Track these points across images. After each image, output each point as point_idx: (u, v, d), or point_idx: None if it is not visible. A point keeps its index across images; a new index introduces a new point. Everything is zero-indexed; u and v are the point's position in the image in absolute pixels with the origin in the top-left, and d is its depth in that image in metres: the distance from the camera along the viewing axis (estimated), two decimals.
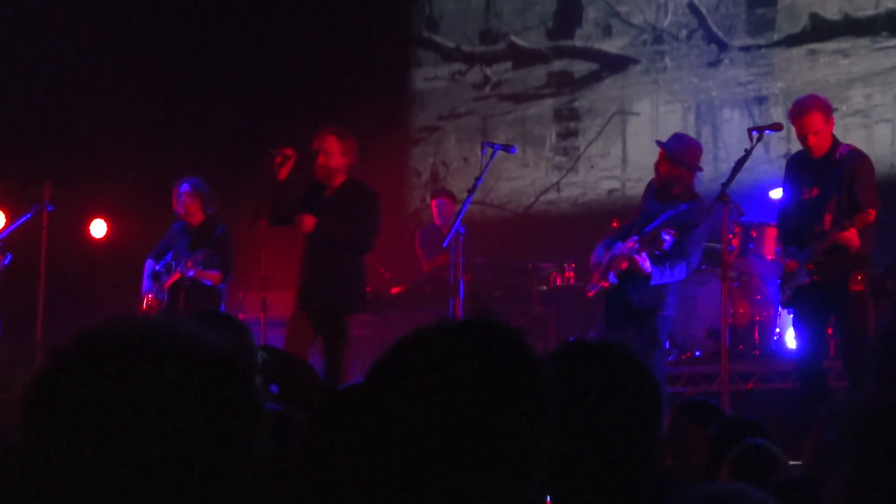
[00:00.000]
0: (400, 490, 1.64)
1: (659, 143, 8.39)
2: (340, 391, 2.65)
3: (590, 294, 8.29)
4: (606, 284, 8.10)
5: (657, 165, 8.33)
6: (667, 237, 7.76)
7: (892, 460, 1.07)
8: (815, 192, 7.71)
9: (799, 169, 7.94)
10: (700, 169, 8.29)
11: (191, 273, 9.31)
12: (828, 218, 7.46)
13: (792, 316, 8.01)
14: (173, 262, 9.49)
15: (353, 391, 2.56)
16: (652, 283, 7.92)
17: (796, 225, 7.81)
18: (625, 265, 7.96)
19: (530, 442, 1.67)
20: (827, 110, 7.72)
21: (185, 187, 9.58)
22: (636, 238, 8.06)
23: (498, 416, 1.68)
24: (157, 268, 9.56)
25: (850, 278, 7.46)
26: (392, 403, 1.69)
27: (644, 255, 7.87)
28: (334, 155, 8.23)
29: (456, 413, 1.67)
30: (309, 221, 8.18)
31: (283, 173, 8.20)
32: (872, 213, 7.34)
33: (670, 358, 10.15)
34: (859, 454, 1.09)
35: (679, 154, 8.18)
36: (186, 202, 9.57)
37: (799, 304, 7.78)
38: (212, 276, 9.43)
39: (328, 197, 8.34)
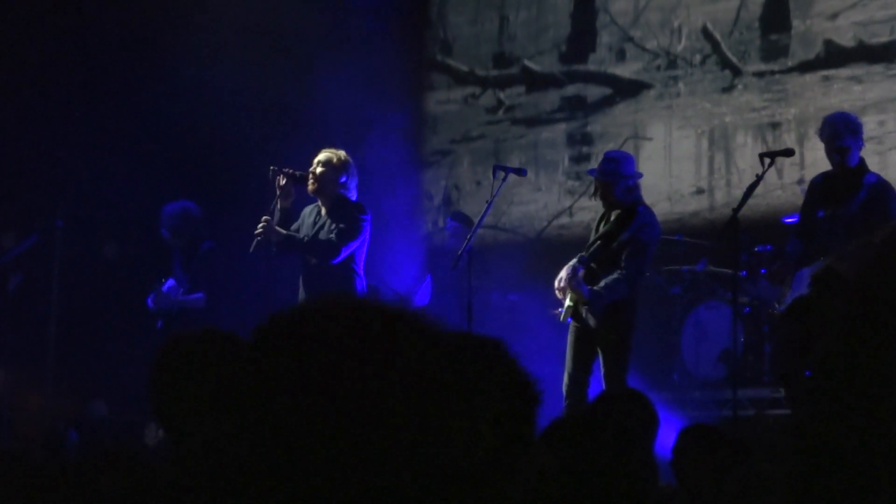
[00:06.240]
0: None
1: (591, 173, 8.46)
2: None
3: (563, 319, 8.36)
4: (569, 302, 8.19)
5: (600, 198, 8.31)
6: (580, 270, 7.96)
7: (819, 485, 1.07)
8: (834, 210, 7.67)
9: (822, 188, 7.90)
10: (640, 175, 8.30)
11: (176, 303, 9.21)
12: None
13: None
14: (162, 292, 9.27)
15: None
16: (594, 305, 7.96)
17: (817, 242, 7.74)
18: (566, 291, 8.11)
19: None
20: (850, 128, 7.67)
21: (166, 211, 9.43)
22: (580, 268, 8.14)
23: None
24: (163, 289, 9.38)
25: None
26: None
27: (581, 282, 7.98)
28: (329, 169, 8.30)
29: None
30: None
31: (287, 194, 8.25)
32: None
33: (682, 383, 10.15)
34: (788, 477, 1.09)
35: (608, 170, 8.13)
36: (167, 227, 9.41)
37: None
38: (195, 301, 9.24)
39: (323, 216, 8.40)
